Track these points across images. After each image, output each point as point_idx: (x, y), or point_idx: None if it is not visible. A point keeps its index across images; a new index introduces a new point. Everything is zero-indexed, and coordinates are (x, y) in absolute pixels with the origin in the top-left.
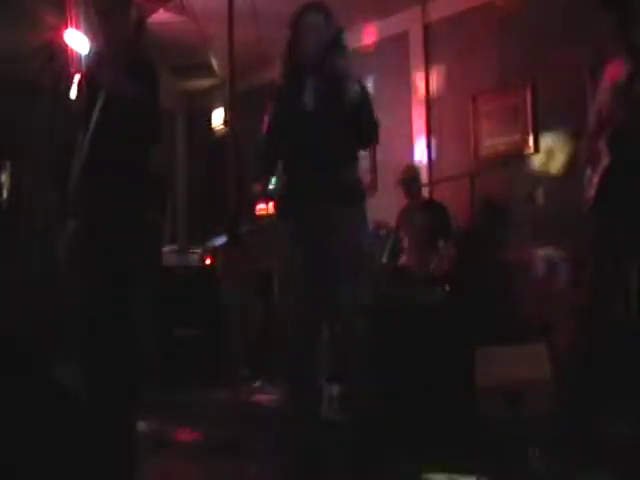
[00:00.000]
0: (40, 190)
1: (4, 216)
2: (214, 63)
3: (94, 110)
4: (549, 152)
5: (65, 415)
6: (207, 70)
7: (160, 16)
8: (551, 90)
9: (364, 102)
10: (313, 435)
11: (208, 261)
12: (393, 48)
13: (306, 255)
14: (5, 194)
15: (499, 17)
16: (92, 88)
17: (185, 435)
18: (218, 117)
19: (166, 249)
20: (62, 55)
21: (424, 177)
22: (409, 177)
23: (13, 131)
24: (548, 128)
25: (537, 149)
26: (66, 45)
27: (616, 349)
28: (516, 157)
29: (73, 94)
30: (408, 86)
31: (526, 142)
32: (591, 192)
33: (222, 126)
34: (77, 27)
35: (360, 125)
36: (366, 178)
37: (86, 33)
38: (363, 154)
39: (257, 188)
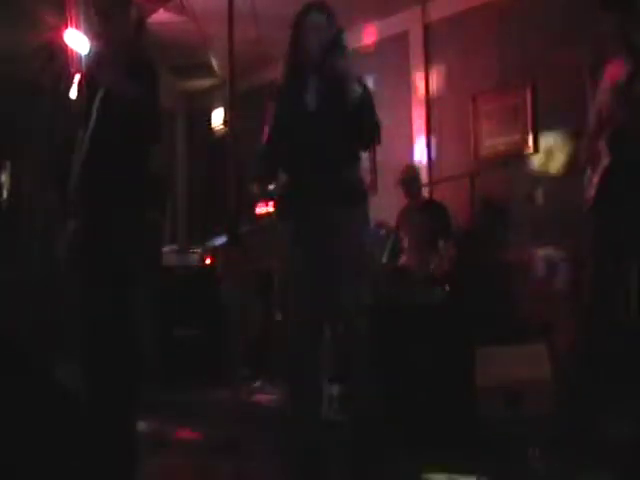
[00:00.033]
0: (40, 190)
1: (4, 216)
2: (214, 63)
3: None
4: (549, 152)
5: (65, 415)
6: (207, 70)
7: (160, 16)
8: (551, 90)
9: (366, 102)
10: (313, 435)
11: (208, 261)
12: (393, 48)
13: (307, 255)
14: (5, 194)
15: (499, 17)
16: (92, 88)
17: (185, 435)
18: (218, 117)
19: (166, 249)
20: (62, 55)
21: (424, 177)
22: (409, 177)
23: (13, 131)
24: (548, 128)
25: (537, 149)
26: (66, 45)
27: (616, 349)
28: (516, 157)
29: (73, 94)
30: (408, 86)
31: (526, 142)
32: (591, 192)
33: (222, 126)
34: (77, 27)
35: (362, 125)
36: (366, 178)
37: (86, 33)
38: (364, 154)
39: (257, 188)
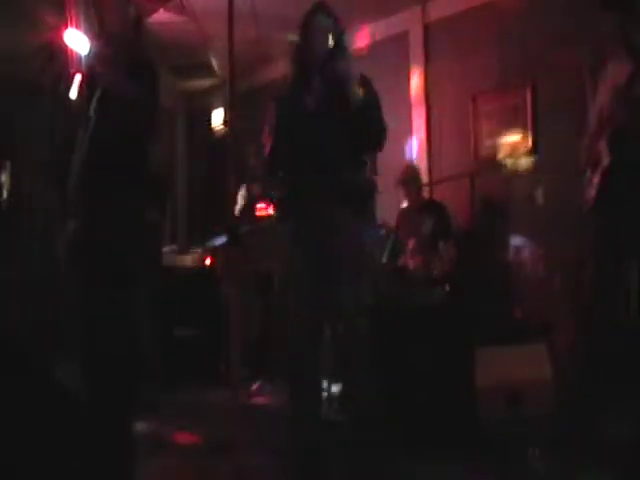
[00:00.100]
0: (40, 190)
1: (4, 216)
2: (214, 63)
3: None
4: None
5: (65, 415)
6: (207, 70)
7: (160, 16)
8: (551, 90)
9: (371, 105)
10: (313, 435)
11: (208, 261)
12: (393, 48)
13: (307, 255)
14: (5, 194)
15: (499, 17)
16: (92, 88)
17: (185, 435)
18: (218, 117)
19: (166, 249)
20: (62, 55)
21: (424, 177)
22: (409, 177)
23: (13, 131)
24: (548, 128)
25: (537, 149)
26: (66, 45)
27: (616, 349)
28: (516, 157)
29: (73, 94)
30: (408, 86)
31: (526, 142)
32: (591, 192)
33: (222, 126)
34: (77, 27)
35: (366, 128)
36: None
37: (86, 33)
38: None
39: (257, 189)
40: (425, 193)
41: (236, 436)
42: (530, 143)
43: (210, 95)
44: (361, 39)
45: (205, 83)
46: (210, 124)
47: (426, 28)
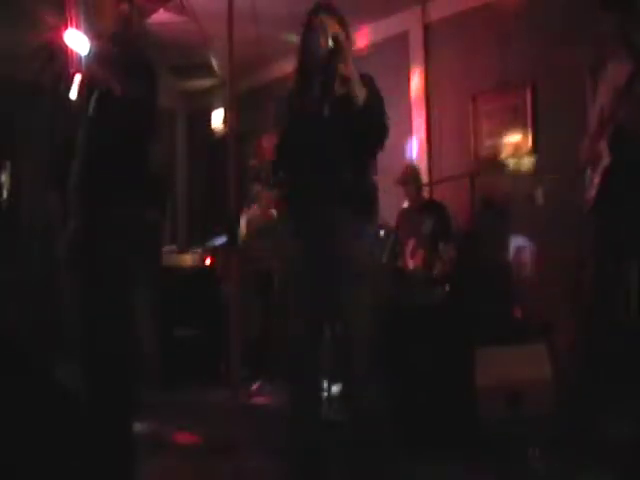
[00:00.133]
0: (40, 190)
1: (4, 216)
2: (214, 63)
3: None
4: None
5: (65, 415)
6: (207, 70)
7: (160, 16)
8: (551, 90)
9: (371, 105)
10: (313, 435)
11: (208, 261)
12: (393, 48)
13: (308, 255)
14: (5, 194)
15: (499, 17)
16: (92, 88)
17: (185, 435)
18: (218, 117)
19: (166, 249)
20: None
21: (424, 177)
22: (409, 177)
23: (13, 131)
24: (548, 128)
25: (537, 149)
26: (66, 45)
27: (616, 349)
28: (516, 157)
29: (73, 94)
30: (408, 86)
31: (526, 142)
32: (592, 192)
33: (222, 126)
34: (77, 27)
35: (365, 128)
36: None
37: (86, 33)
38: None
39: (257, 188)
40: (425, 193)
41: (236, 436)
42: (530, 143)
43: (210, 95)
44: (361, 39)
45: (205, 83)
46: (210, 124)
47: (426, 28)
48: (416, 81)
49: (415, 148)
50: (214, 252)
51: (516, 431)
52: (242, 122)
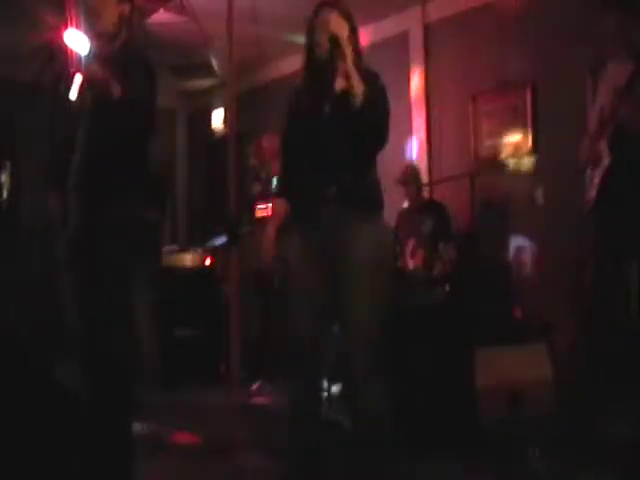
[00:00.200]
0: (40, 190)
1: (4, 216)
2: (214, 63)
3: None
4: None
5: (65, 415)
6: (207, 70)
7: (160, 16)
8: (551, 90)
9: (372, 105)
10: (313, 435)
11: (208, 261)
12: (393, 48)
13: (308, 255)
14: (5, 194)
15: (499, 17)
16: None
17: (184, 436)
18: (218, 117)
19: (166, 249)
20: (62, 55)
21: (424, 177)
22: (409, 177)
23: (13, 131)
24: (548, 128)
25: (537, 149)
26: (66, 45)
27: (616, 349)
28: (516, 157)
29: (73, 94)
30: (408, 86)
31: (526, 142)
32: (592, 193)
33: (222, 126)
34: (77, 27)
35: (365, 129)
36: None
37: (86, 33)
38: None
39: (257, 188)
40: (425, 193)
41: (236, 436)
42: (530, 143)
43: (210, 95)
44: (361, 39)
45: (205, 83)
46: (210, 124)
47: (426, 28)
48: (416, 81)
49: (415, 148)
50: (214, 252)
51: (516, 431)
52: (242, 122)
